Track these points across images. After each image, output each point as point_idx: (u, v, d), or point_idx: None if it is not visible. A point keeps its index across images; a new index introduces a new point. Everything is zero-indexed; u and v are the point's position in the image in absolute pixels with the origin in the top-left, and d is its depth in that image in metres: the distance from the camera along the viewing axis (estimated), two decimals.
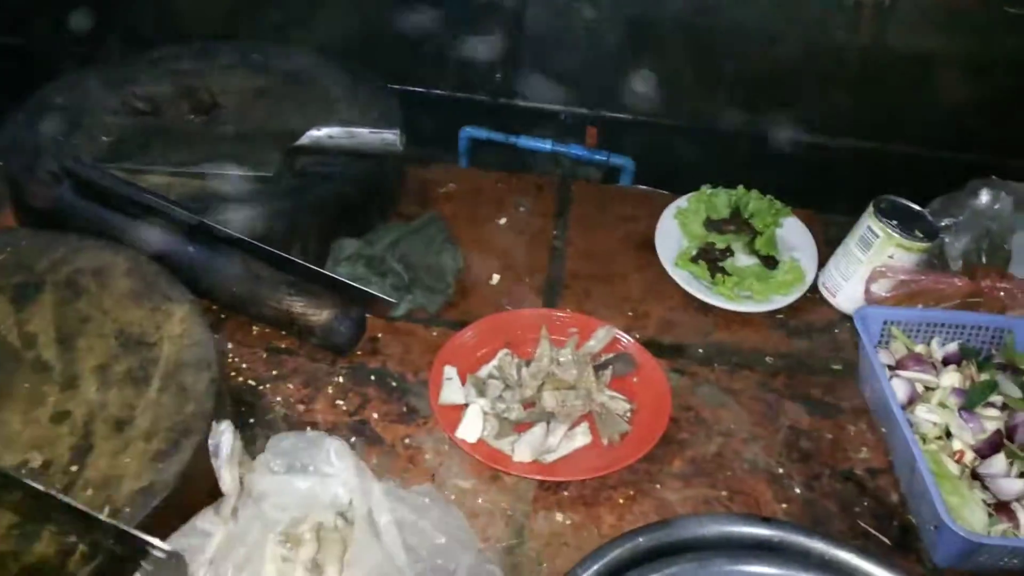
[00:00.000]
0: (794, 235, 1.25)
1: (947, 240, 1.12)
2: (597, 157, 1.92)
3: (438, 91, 2.00)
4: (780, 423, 1.01)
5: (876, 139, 1.89)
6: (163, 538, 0.72)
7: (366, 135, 1.13)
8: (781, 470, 0.96)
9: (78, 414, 0.82)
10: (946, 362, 1.02)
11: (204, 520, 0.74)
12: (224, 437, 0.75)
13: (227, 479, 0.75)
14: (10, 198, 1.14)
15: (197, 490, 0.77)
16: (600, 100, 1.89)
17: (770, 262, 1.20)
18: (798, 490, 0.94)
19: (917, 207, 1.13)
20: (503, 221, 1.28)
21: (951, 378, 0.99)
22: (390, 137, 1.12)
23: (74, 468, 0.77)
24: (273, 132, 1.17)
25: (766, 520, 0.74)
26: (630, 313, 1.14)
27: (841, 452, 0.99)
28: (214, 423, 0.76)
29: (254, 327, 1.06)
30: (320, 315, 1.00)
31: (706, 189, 1.28)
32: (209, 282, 1.01)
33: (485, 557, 0.81)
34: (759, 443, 0.99)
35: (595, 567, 0.68)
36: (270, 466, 0.78)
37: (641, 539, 0.71)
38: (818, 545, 0.72)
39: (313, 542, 0.75)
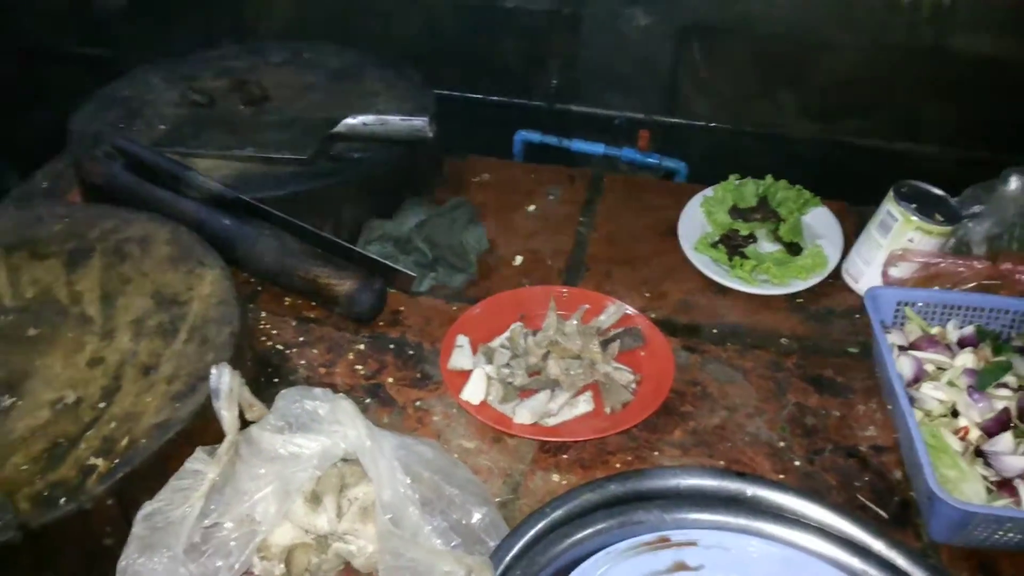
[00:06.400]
0: (822, 224, 1.25)
1: (970, 225, 1.10)
2: (650, 160, 1.93)
3: (496, 97, 2.06)
4: (786, 400, 1.02)
5: (936, 143, 1.85)
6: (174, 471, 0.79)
7: (397, 122, 1.20)
8: (783, 443, 0.96)
9: (111, 360, 0.90)
10: (962, 344, 1.01)
11: (196, 462, 0.78)
12: (223, 378, 0.79)
13: (226, 418, 0.79)
14: (76, 178, 1.25)
15: (211, 429, 0.83)
16: (654, 105, 1.92)
17: (794, 248, 1.20)
18: (798, 463, 0.94)
19: (939, 192, 1.12)
20: (532, 208, 1.32)
21: (965, 359, 0.98)
22: (418, 124, 1.19)
23: (102, 404, 0.85)
24: (313, 121, 1.25)
25: (740, 475, 0.75)
26: (648, 294, 1.17)
27: (847, 429, 0.98)
28: (213, 367, 0.80)
29: (286, 299, 1.14)
30: (343, 284, 1.06)
31: (734, 179, 1.29)
32: (243, 252, 1.09)
33: (496, 511, 0.82)
34: (763, 417, 0.99)
35: (565, 506, 0.71)
36: (270, 420, 0.82)
37: (613, 485, 0.74)
38: (788, 500, 0.73)
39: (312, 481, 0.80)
